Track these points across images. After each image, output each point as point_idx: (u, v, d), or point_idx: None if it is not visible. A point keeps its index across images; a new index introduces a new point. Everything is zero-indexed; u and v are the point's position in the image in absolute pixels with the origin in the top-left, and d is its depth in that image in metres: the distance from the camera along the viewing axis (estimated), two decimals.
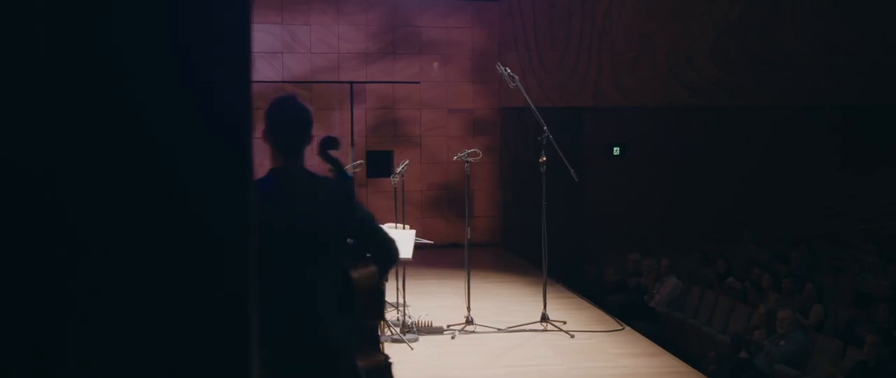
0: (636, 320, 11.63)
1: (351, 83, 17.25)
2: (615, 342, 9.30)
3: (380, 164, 16.40)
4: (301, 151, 3.93)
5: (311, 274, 3.84)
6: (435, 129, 17.71)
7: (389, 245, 4.15)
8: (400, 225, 9.77)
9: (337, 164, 4.28)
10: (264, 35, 17.09)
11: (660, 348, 9.20)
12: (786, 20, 18.08)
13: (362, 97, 17.41)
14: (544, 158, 9.65)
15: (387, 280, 4.33)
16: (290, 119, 3.94)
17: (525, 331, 9.59)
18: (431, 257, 15.06)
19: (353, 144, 17.13)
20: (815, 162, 18.18)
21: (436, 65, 17.58)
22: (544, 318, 9.71)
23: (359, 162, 10.70)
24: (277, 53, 17.16)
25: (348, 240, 4.08)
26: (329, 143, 4.22)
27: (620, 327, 9.93)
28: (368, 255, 4.11)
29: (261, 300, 3.03)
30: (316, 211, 3.89)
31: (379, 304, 4.34)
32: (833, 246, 16.57)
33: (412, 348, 8.91)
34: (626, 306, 12.88)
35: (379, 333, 4.47)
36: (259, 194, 3.59)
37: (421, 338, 9.30)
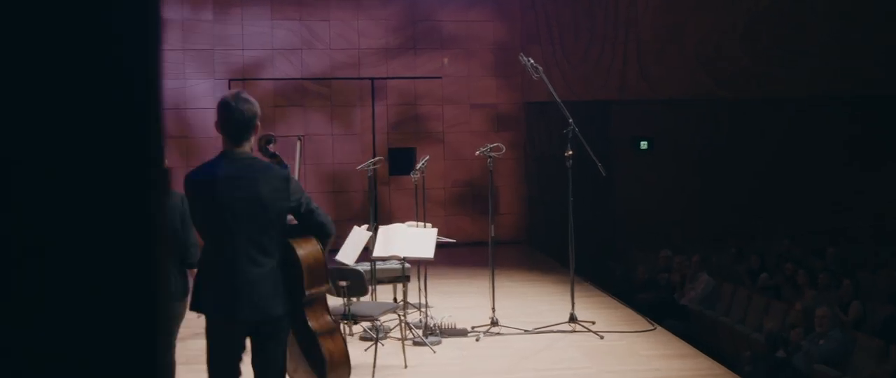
0: (667, 319, 11.27)
1: (372, 79, 16.95)
2: (646, 343, 8.93)
3: (402, 161, 16.10)
4: (246, 140, 4.73)
5: (253, 243, 4.63)
6: (458, 124, 17.38)
7: (325, 224, 4.93)
8: (421, 223, 9.42)
9: (274, 157, 5.24)
10: (283, 32, 16.82)
11: (693, 349, 8.81)
12: (820, 10, 17.61)
13: (383, 93, 17.10)
14: (570, 152, 9.31)
15: (327, 251, 5.03)
16: (235, 113, 4.67)
17: (552, 332, 9.24)
18: (455, 256, 14.73)
19: (374, 142, 16.83)
20: (825, 155, 17.78)
21: (445, 61, 17.24)
22: (572, 319, 9.36)
23: (378, 158, 10.35)
24: (296, 50, 16.87)
25: (291, 220, 4.89)
26: (267, 140, 5.37)
27: (652, 327, 9.55)
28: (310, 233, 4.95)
29: (210, 265, 4.27)
30: (256, 188, 4.65)
31: (324, 274, 5.00)
32: (845, 241, 16.15)
33: (435, 351, 8.57)
34: (656, 305, 12.50)
35: (327, 298, 5.25)
36: (208, 173, 4.70)
37: (444, 340, 8.95)
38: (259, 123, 4.79)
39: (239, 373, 4.87)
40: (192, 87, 16.59)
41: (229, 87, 16.48)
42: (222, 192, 4.62)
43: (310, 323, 5.02)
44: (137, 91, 1.23)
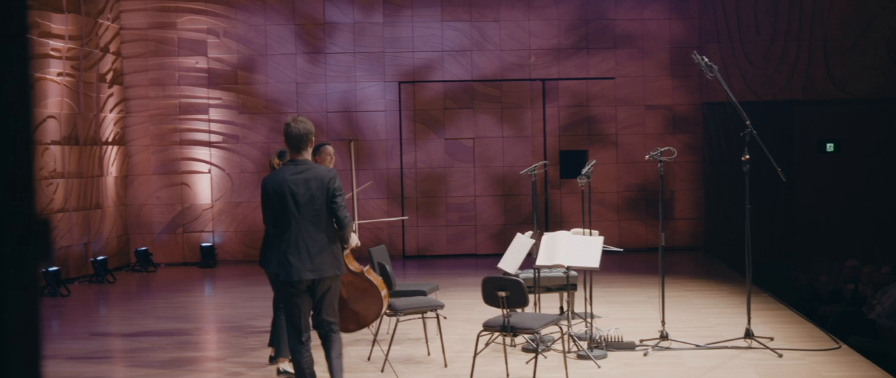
0: (853, 334, 10.50)
1: (543, 80, 16.63)
2: (830, 363, 8.25)
3: (573, 164, 15.72)
4: (305, 149, 6.63)
5: (310, 224, 6.49)
6: (631, 126, 16.85)
7: (340, 217, 6.56)
8: (587, 231, 9.02)
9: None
10: (453, 33, 16.66)
11: (882, 371, 8.08)
12: None
13: (555, 95, 16.74)
14: (747, 156, 8.73)
15: (345, 241, 6.83)
16: (293, 131, 6.59)
17: (726, 348, 8.68)
18: (626, 263, 14.28)
19: (545, 144, 16.49)
20: None
21: (533, 59, 16.69)
22: (748, 334, 8.76)
23: (542, 162, 9.99)
24: (466, 51, 16.68)
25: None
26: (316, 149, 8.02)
27: (836, 345, 8.85)
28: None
29: (281, 241, 6.57)
30: (310, 185, 6.50)
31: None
32: None
33: (599, 366, 8.15)
34: (842, 318, 11.70)
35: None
36: (279, 175, 6.58)
37: (610, 354, 8.52)
38: (313, 138, 6.69)
39: (307, 319, 6.66)
40: (362, 89, 16.62)
41: (400, 90, 16.46)
42: (288, 189, 6.49)
43: (351, 268, 7.80)
44: None
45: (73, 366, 8.90)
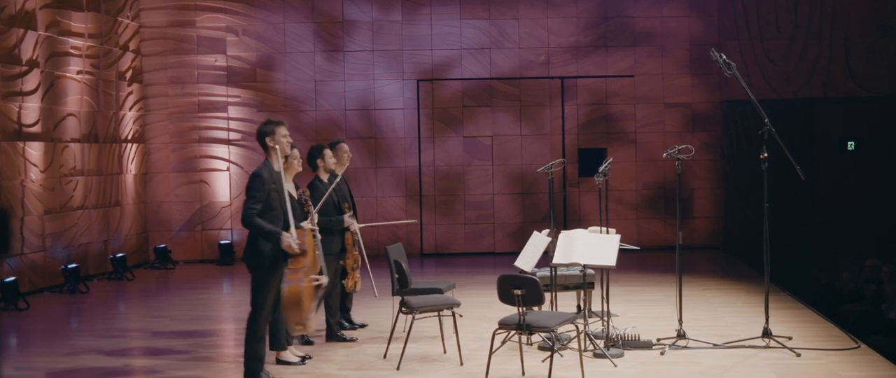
0: (873, 334, 10.41)
1: (561, 78, 16.59)
2: (849, 363, 8.19)
3: (592, 162, 15.67)
4: (263, 148, 7.45)
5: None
6: (650, 124, 16.79)
7: (242, 217, 7.26)
8: (603, 229, 8.98)
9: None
10: (471, 31, 16.65)
11: None
12: None
13: (573, 93, 16.69)
14: (765, 155, 8.67)
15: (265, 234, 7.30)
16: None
17: (744, 347, 8.62)
18: (645, 261, 14.22)
19: (563, 142, 16.46)
20: None
21: (542, 58, 16.64)
22: (766, 333, 8.70)
23: (559, 160, 9.95)
24: (485, 49, 16.66)
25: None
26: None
27: (855, 345, 8.78)
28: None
29: None
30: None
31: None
32: None
33: (616, 365, 8.12)
34: (861, 317, 11.61)
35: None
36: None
37: (626, 353, 8.48)
38: (267, 139, 7.35)
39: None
40: (380, 87, 16.62)
41: (418, 88, 16.46)
42: None
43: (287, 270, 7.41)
44: None
45: (91, 361, 8.93)
